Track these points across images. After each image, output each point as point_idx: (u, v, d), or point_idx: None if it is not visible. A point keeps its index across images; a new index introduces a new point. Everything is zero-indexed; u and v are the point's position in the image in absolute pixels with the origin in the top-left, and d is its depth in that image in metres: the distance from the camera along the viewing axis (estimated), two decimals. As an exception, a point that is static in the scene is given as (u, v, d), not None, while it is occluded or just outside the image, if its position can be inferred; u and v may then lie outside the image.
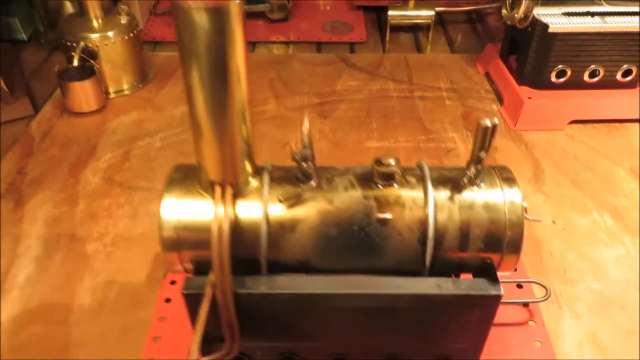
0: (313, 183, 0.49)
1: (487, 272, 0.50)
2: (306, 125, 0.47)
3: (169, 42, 1.30)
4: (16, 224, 0.82)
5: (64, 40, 1.06)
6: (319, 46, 1.31)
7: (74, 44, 1.04)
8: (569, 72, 0.99)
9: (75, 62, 1.03)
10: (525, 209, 0.50)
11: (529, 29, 0.98)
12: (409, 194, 0.49)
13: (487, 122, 0.45)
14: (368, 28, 1.38)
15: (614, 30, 0.94)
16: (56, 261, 0.77)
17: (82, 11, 1.08)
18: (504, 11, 1.03)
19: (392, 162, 0.49)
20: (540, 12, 0.96)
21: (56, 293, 0.72)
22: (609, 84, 1.00)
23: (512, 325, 0.63)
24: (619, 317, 0.68)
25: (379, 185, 0.50)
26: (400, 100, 1.09)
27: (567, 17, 0.95)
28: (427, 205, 0.48)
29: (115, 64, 1.09)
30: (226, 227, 0.46)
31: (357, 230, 0.48)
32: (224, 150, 0.46)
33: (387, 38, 1.33)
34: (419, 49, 1.30)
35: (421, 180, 0.50)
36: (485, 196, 0.49)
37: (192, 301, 0.48)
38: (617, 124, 1.01)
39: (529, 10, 0.96)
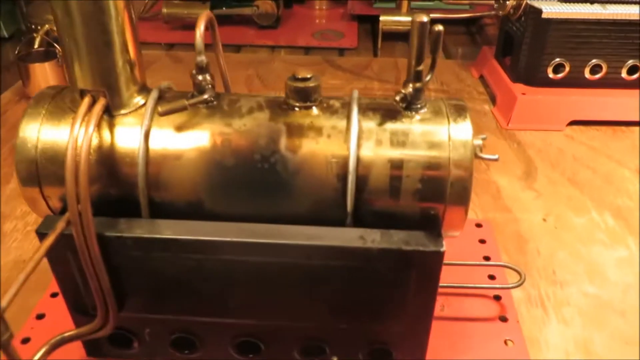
0: (206, 96, 0.39)
1: (428, 225, 0.39)
2: (201, 27, 0.38)
3: (152, 43, 1.25)
4: None
5: (29, 24, 1.00)
6: (306, 51, 1.24)
7: (39, 27, 0.99)
8: (567, 67, 0.89)
9: (36, 45, 0.97)
10: (479, 148, 0.39)
11: (522, 18, 0.89)
12: (329, 119, 0.39)
13: (424, 18, 0.35)
14: (361, 37, 1.31)
15: (615, 18, 0.84)
16: (-33, 237, 0.67)
17: (53, -2, 1.03)
18: (495, 4, 0.95)
19: (309, 75, 0.39)
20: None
21: (-47, 268, 0.62)
22: (613, 82, 0.89)
23: (478, 320, 0.51)
24: (616, 325, 0.55)
25: (295, 108, 0.39)
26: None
27: (564, 3, 0.86)
28: (349, 131, 0.38)
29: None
30: (85, 145, 0.36)
31: (260, 160, 0.38)
32: (97, 45, 0.37)
33: (379, 45, 1.25)
34: (411, 56, 1.22)
35: (347, 105, 0.40)
36: (425, 126, 0.39)
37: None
38: (623, 127, 0.90)
39: (521, -3, 0.88)
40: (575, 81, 0.90)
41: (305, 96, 0.39)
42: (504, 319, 0.51)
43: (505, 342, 0.49)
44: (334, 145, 0.38)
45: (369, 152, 0.38)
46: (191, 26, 1.29)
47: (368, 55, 1.23)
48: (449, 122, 0.39)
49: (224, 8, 1.27)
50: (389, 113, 0.39)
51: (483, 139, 0.41)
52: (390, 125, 0.38)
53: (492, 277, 0.55)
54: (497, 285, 0.52)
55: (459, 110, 0.39)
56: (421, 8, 1.27)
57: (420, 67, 0.37)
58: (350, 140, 0.37)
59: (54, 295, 0.53)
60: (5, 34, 1.30)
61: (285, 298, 0.40)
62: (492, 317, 0.51)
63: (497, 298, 0.53)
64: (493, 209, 0.71)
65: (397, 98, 0.38)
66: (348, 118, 0.39)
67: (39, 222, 0.70)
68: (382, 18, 1.22)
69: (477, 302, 0.52)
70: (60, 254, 0.39)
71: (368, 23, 1.38)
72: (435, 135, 0.38)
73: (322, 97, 0.40)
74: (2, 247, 0.67)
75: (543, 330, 0.55)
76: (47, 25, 0.99)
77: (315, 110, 0.39)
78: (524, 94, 0.90)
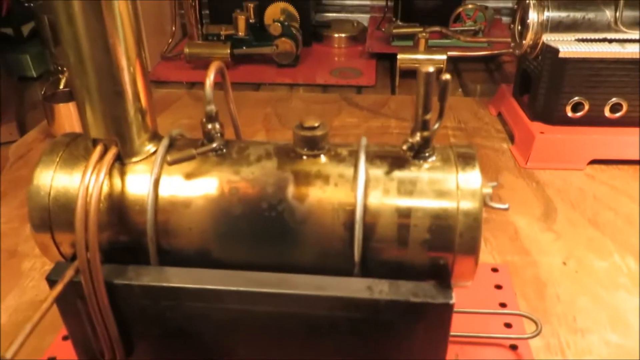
0: (215, 145, 0.39)
1: (437, 276, 0.38)
2: (211, 77, 0.39)
3: (174, 82, 1.28)
4: (-42, 237, 0.75)
5: (56, 65, 1.04)
6: (324, 89, 1.26)
7: (65, 69, 1.02)
8: (586, 106, 0.88)
9: (62, 85, 1.00)
10: (488, 196, 0.39)
11: (539, 57, 0.89)
12: (336, 167, 0.39)
13: (430, 68, 0.35)
14: (379, 74, 1.32)
15: (635, 57, 0.83)
16: (-14, 276, 0.68)
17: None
18: (512, 43, 0.95)
19: (316, 124, 0.39)
20: (551, 38, 0.87)
21: (-28, 308, 0.63)
22: (634, 120, 0.88)
23: (493, 371, 0.49)
24: (641, 376, 0.53)
25: (302, 156, 0.40)
26: (400, 136, 1.00)
27: (581, 43, 0.86)
28: (356, 179, 0.38)
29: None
30: (95, 193, 0.36)
31: (267, 209, 0.38)
32: (109, 94, 0.38)
33: (397, 83, 1.26)
34: (429, 93, 1.22)
35: (354, 153, 0.40)
36: (433, 174, 0.38)
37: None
38: (646, 166, 0.88)
39: (537, 37, 0.88)
40: (595, 120, 0.89)
41: (313, 144, 0.39)
42: (521, 371, 0.49)
43: (523, 396, 0.47)
44: (341, 193, 0.38)
45: (376, 200, 0.37)
46: (212, 65, 1.32)
47: (386, 92, 1.23)
48: (457, 171, 0.38)
49: (244, 47, 1.30)
50: (396, 161, 0.39)
51: (493, 187, 0.40)
52: (397, 174, 0.38)
53: (508, 326, 0.53)
54: (513, 336, 0.51)
55: (468, 159, 0.39)
56: (439, 46, 1.28)
57: (428, 117, 0.37)
58: (357, 189, 0.37)
59: (65, 338, 0.53)
60: (34, 74, 1.34)
61: (291, 349, 0.40)
62: (509, 368, 0.49)
63: (514, 347, 0.51)
64: (511, 252, 0.70)
65: (405, 147, 0.38)
66: (355, 166, 0.39)
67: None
68: (399, 56, 1.23)
69: (493, 351, 0.50)
70: (70, 301, 0.39)
71: (386, 61, 1.39)
72: (444, 184, 0.38)
73: (329, 144, 0.40)
74: (19, 286, 0.67)
75: (563, 381, 0.53)
76: (72, 67, 1.02)
77: (322, 158, 0.39)
78: (542, 132, 0.89)
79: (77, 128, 0.99)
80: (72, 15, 0.35)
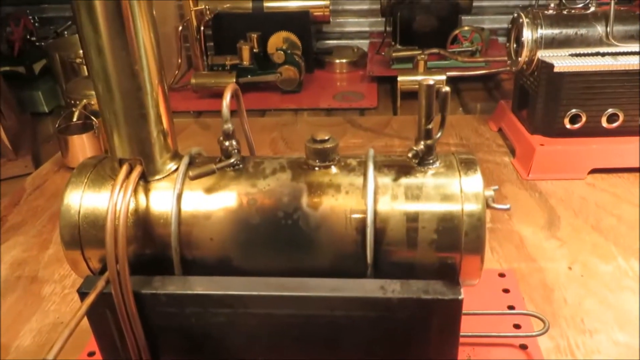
0: (233, 160, 0.42)
1: (445, 275, 0.40)
2: (227, 98, 0.42)
3: (181, 111, 1.32)
4: (-20, 266, 0.78)
5: (68, 99, 1.08)
6: (328, 113, 1.29)
7: (77, 102, 1.06)
8: (583, 117, 0.91)
9: (75, 118, 1.04)
10: (491, 198, 0.41)
11: (535, 73, 0.92)
12: (347, 177, 0.42)
13: (430, 81, 0.38)
14: (381, 97, 1.36)
15: (628, 69, 0.86)
16: (9, 301, 0.71)
17: (91, 74, 1.10)
18: (508, 61, 0.99)
19: (326, 137, 0.42)
20: (546, 54, 0.90)
21: (-2, 332, 0.65)
22: (631, 129, 0.91)
23: (505, 371, 0.51)
24: (650, 373, 0.54)
25: (315, 168, 0.42)
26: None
27: (575, 57, 0.89)
28: (366, 187, 0.40)
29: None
30: (123, 209, 0.39)
31: (283, 217, 0.41)
32: (134, 118, 0.41)
33: (399, 104, 1.29)
34: (430, 112, 1.26)
35: (363, 163, 0.43)
36: (437, 179, 0.41)
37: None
38: (646, 173, 0.90)
39: (532, 53, 0.91)
40: (592, 130, 0.91)
41: (324, 156, 0.42)
42: (531, 369, 0.51)
43: (535, 393, 0.49)
44: (352, 200, 0.40)
45: (385, 206, 0.40)
46: (218, 95, 1.36)
47: (388, 114, 1.27)
48: (460, 176, 0.41)
49: (249, 76, 1.34)
50: (403, 169, 0.41)
51: (495, 190, 0.42)
52: (404, 180, 0.41)
53: (517, 326, 0.55)
54: (522, 334, 0.52)
55: (469, 164, 0.42)
56: (438, 67, 1.32)
57: (430, 126, 0.40)
58: (367, 196, 0.40)
59: (90, 354, 0.55)
60: (46, 109, 1.39)
61: (311, 350, 0.42)
62: (520, 366, 0.51)
63: (524, 347, 0.53)
64: (517, 259, 0.72)
65: (410, 155, 0.40)
66: (364, 175, 0.41)
67: (76, 286, 0.74)
68: (400, 78, 1.27)
69: (504, 351, 0.52)
70: (100, 312, 0.41)
71: (387, 83, 1.43)
72: (448, 188, 0.40)
73: (339, 156, 0.43)
74: (41, 310, 0.70)
75: (574, 380, 0.54)
76: (84, 100, 1.06)
77: (334, 169, 0.42)
78: (542, 145, 0.91)
79: (91, 158, 1.03)
80: (101, 47, 0.38)
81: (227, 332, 0.42)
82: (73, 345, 0.57)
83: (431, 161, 0.41)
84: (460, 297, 0.38)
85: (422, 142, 0.41)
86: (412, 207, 0.40)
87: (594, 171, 0.91)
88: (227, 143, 0.42)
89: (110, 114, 0.41)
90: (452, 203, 0.40)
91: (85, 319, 0.41)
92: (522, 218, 0.80)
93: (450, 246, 0.40)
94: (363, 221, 0.40)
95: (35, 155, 1.14)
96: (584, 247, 0.74)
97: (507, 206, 0.43)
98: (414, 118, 1.17)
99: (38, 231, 0.86)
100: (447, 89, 0.39)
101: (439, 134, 0.41)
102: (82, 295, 0.41)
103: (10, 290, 0.73)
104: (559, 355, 0.56)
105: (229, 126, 0.42)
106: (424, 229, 0.40)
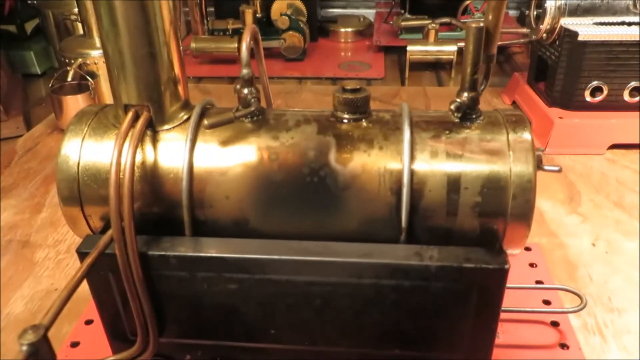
0: (253, 108, 0.37)
1: (487, 243, 0.36)
2: (247, 39, 0.37)
3: (180, 77, 1.26)
4: (-33, 228, 0.73)
5: (62, 58, 1.02)
6: (333, 82, 1.24)
7: (72, 61, 1.00)
8: (605, 90, 0.86)
9: (70, 78, 0.98)
10: (539, 159, 0.37)
11: (557, 42, 0.87)
12: (380, 130, 0.37)
13: (480, 24, 0.34)
14: (388, 68, 1.31)
15: (655, 39, 0.82)
16: (-2, 266, 0.66)
17: (86, 33, 1.05)
18: (528, 31, 0.94)
19: (358, 87, 0.37)
20: (569, 22, 0.86)
21: (-14, 298, 0.61)
22: (654, 104, 0.87)
23: (538, 347, 0.47)
24: (684, 354, 0.51)
25: (343, 120, 0.38)
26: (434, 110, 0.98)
27: (600, 26, 0.85)
28: (401, 142, 0.36)
29: (113, 83, 1.04)
30: (129, 161, 0.35)
31: (308, 174, 0.36)
32: (142, 57, 0.36)
33: (407, 75, 1.25)
34: (440, 86, 1.21)
35: (398, 117, 0.38)
36: (482, 135, 0.37)
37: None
38: (668, 150, 0.87)
39: (555, 21, 0.86)
40: (614, 104, 0.87)
41: (355, 108, 0.37)
42: (564, 346, 0.48)
43: (568, 372, 0.46)
44: (387, 157, 0.36)
45: (424, 164, 0.36)
46: (219, 60, 1.30)
47: (396, 85, 1.22)
48: (507, 132, 0.37)
49: (251, 41, 1.28)
50: (443, 124, 0.37)
51: (542, 151, 0.38)
52: (445, 136, 0.37)
53: (547, 302, 0.52)
54: (558, 310, 0.49)
55: (518, 120, 0.37)
56: (449, 38, 1.27)
57: (476, 75, 0.35)
58: (403, 152, 0.36)
59: (88, 322, 0.52)
60: (38, 70, 1.33)
61: (334, 322, 0.38)
62: (552, 344, 0.48)
63: (555, 324, 0.49)
64: (538, 234, 0.68)
65: (452, 107, 0.36)
66: (400, 129, 0.37)
67: (71, 251, 0.69)
68: (409, 48, 1.22)
69: (534, 328, 0.49)
70: (101, 275, 0.37)
71: (394, 54, 1.38)
72: (495, 146, 0.36)
73: (370, 109, 0.39)
74: (33, 275, 0.65)
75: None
76: (80, 59, 1.00)
77: (364, 123, 0.38)
78: (561, 118, 0.87)
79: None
80: (106, -30, 0.33)
81: (242, 300, 0.38)
82: (68, 312, 0.53)
83: (474, 116, 0.37)
84: (506, 267, 0.34)
85: (465, 94, 0.36)
86: (454, 166, 0.36)
87: (614, 147, 0.87)
88: (245, 90, 0.38)
89: (116, 53, 0.36)
90: (499, 162, 0.35)
91: (85, 283, 0.37)
92: (541, 193, 0.77)
93: (496, 210, 0.36)
94: (398, 181, 0.36)
95: (26, 117, 1.09)
96: (607, 223, 0.71)
97: (558, 168, 0.39)
98: (423, 89, 1.12)
99: (30, 194, 0.81)
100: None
101: (484, 86, 0.37)
102: (82, 255, 0.36)
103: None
104: (586, 334, 0.53)
105: (248, 71, 0.37)
106: (467, 191, 0.35)
